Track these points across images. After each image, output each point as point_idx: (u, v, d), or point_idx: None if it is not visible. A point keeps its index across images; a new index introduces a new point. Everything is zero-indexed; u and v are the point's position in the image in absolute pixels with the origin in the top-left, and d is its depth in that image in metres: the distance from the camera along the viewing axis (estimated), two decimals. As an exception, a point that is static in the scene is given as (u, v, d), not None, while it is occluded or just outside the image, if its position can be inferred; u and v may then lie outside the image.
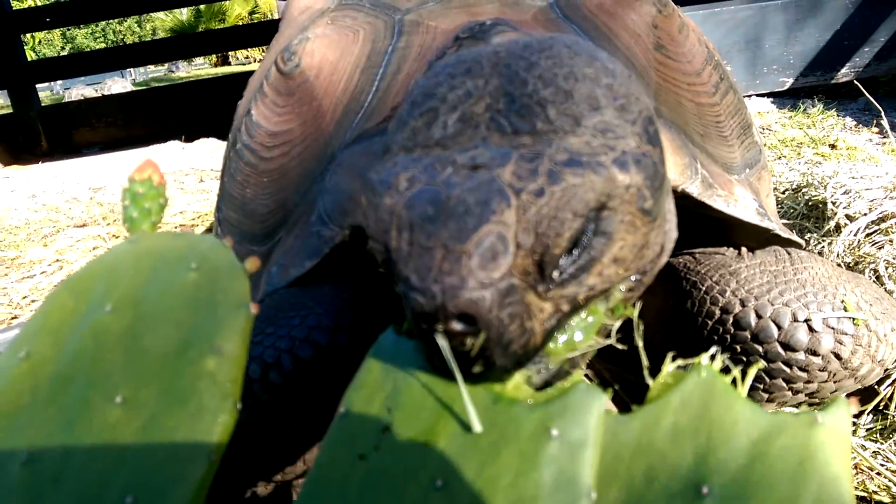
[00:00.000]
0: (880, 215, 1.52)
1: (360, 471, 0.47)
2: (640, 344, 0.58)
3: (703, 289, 1.09)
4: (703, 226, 1.17)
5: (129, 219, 0.61)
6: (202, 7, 24.29)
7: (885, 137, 3.17)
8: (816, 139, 3.12)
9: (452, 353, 0.49)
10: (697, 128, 1.25)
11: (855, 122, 3.45)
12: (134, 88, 15.44)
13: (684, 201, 1.08)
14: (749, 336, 1.02)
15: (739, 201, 1.13)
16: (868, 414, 1.19)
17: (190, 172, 4.24)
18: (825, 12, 4.35)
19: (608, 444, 0.45)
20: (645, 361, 0.54)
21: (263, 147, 1.28)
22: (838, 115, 3.67)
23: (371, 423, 0.50)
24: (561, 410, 0.46)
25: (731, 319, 1.04)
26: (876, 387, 1.16)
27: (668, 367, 0.52)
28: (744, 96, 4.29)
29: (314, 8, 1.47)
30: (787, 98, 4.24)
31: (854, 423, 1.18)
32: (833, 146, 2.95)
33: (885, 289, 1.34)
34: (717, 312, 1.06)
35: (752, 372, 0.52)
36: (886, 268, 1.37)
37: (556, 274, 0.53)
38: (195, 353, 0.50)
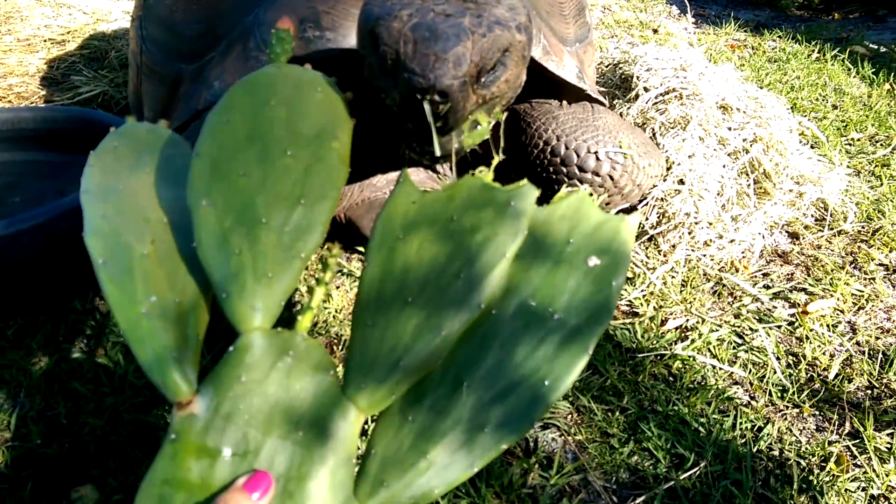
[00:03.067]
0: (665, 89, 2.05)
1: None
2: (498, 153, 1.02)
3: (534, 127, 1.54)
4: (540, 81, 1.60)
5: (275, 53, 0.92)
6: None
7: (697, 27, 3.78)
8: (644, 23, 3.65)
9: (431, 115, 0.93)
10: (545, 6, 1.65)
11: (679, 11, 4.01)
12: None
13: (530, 62, 1.50)
14: (559, 161, 1.50)
15: (566, 67, 1.56)
16: (630, 225, 1.75)
17: (37, -20, 3.96)
18: None
19: (533, 216, 0.82)
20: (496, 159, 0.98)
21: (193, -23, 1.50)
22: (666, 2, 4.21)
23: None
24: (516, 193, 0.81)
25: (549, 149, 1.51)
26: (637, 205, 1.72)
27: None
28: (594, -26, 4.58)
29: None
30: (630, -20, 4.71)
31: (620, 230, 1.74)
32: (655, 31, 3.50)
33: (657, 141, 1.88)
34: (541, 144, 1.52)
35: (600, 198, 1.00)
36: (660, 127, 1.91)
37: (482, 80, 0.98)
38: (327, 137, 0.85)
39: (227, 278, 0.76)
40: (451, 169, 1.69)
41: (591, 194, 1.56)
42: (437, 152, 0.98)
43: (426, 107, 0.92)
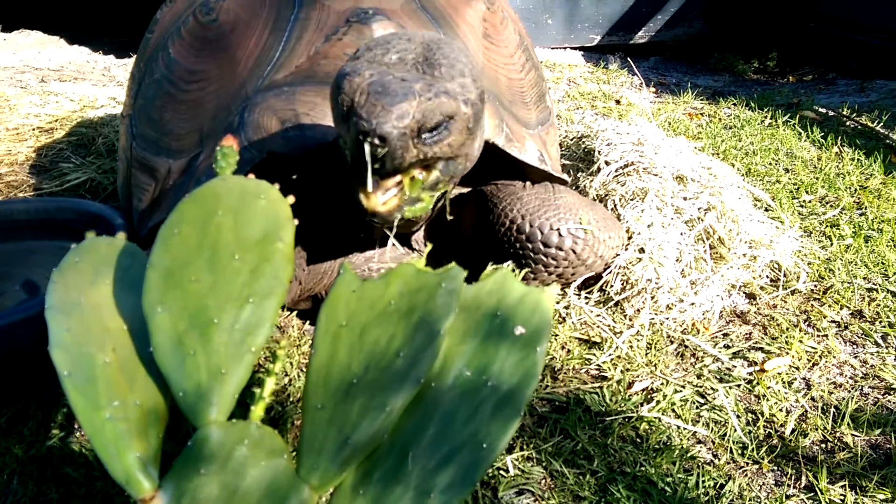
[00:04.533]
0: (624, 163, 2.20)
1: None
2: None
3: (501, 207, 1.66)
4: (504, 164, 1.73)
5: (220, 167, 1.00)
6: None
7: (657, 96, 4.01)
8: (607, 94, 3.87)
9: (370, 156, 1.07)
10: (508, 96, 1.79)
11: (640, 82, 4.25)
12: None
13: (494, 148, 1.63)
14: (524, 238, 1.61)
15: (528, 151, 1.70)
16: (596, 291, 1.85)
17: (26, 70, 4.12)
18: (631, -20, 5.10)
19: (463, 294, 0.91)
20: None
21: (182, 81, 1.63)
22: (629, 74, 4.46)
23: None
24: (446, 276, 0.90)
25: (515, 227, 1.62)
26: (601, 274, 1.83)
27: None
28: (559, 48, 4.93)
29: (219, -35, 1.78)
30: (594, 53, 4.99)
31: (588, 297, 1.84)
32: (618, 102, 3.71)
33: (617, 213, 2.01)
34: (507, 223, 1.64)
35: (522, 272, 1.12)
36: (620, 199, 2.04)
37: (423, 136, 1.13)
38: (271, 239, 0.93)
39: (182, 378, 0.85)
40: (423, 244, 1.80)
41: (513, 270, 1.69)
42: (370, 188, 1.12)
43: (366, 148, 1.07)
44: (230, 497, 0.79)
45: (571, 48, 5.08)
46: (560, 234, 1.60)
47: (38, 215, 1.75)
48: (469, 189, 1.81)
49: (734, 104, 3.74)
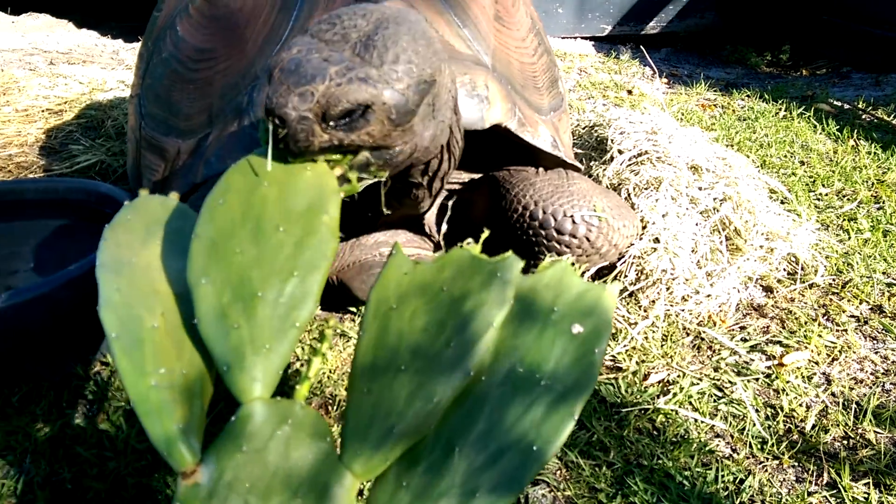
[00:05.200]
0: (638, 152, 2.16)
1: None
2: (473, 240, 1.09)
3: (513, 193, 1.63)
4: (516, 149, 1.69)
5: (265, 138, 0.98)
6: None
7: (670, 87, 3.95)
8: (619, 84, 3.82)
9: (272, 135, 0.98)
10: (520, 80, 1.76)
11: (652, 72, 4.20)
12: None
13: (506, 132, 1.59)
14: (538, 224, 1.58)
15: (541, 136, 1.66)
16: (611, 281, 1.81)
17: (35, 52, 4.09)
18: (643, -31, 5.04)
19: (518, 285, 0.88)
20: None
21: (190, 60, 1.59)
22: (640, 64, 4.41)
23: None
24: (502, 264, 0.87)
25: (528, 214, 1.59)
26: (616, 264, 1.79)
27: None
28: (570, 37, 4.88)
29: (230, -58, 1.74)
30: (605, 43, 4.94)
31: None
32: (630, 92, 3.66)
33: (631, 202, 1.97)
34: (520, 209, 1.60)
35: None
36: (634, 188, 2.00)
37: (331, 123, 1.02)
38: (317, 211, 0.91)
39: (226, 352, 0.81)
40: (437, 232, 1.77)
41: (573, 263, 1.65)
42: (269, 167, 1.00)
43: (269, 126, 0.99)
44: (271, 478, 0.76)
45: (582, 38, 5.02)
46: (574, 221, 1.57)
47: (49, 195, 1.73)
48: (480, 175, 1.77)
49: (748, 96, 3.69)
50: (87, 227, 1.69)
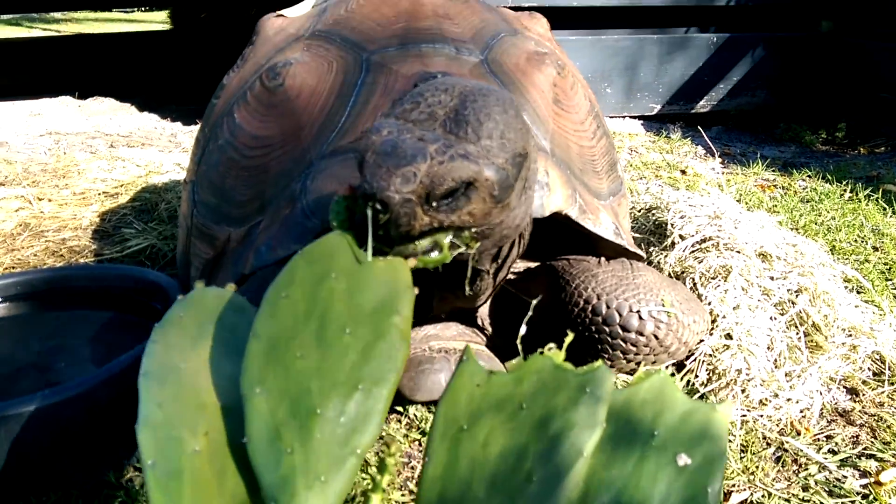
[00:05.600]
0: (702, 238, 2.05)
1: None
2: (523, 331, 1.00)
3: (573, 285, 1.53)
4: (572, 236, 1.61)
5: (337, 220, 0.95)
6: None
7: (724, 167, 3.86)
8: (672, 164, 3.74)
9: (371, 220, 0.92)
10: (579, 164, 1.69)
11: (704, 151, 4.12)
12: None
13: (566, 220, 1.52)
14: (601, 320, 1.47)
15: (602, 223, 1.58)
16: (679, 381, 1.68)
17: (96, 136, 4.26)
18: (691, 49, 5.04)
19: (611, 401, 0.77)
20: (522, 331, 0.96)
21: (245, 147, 1.58)
22: (692, 143, 4.34)
23: None
24: (591, 377, 0.77)
25: (590, 308, 1.49)
26: (684, 362, 1.66)
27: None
28: (619, 117, 4.88)
29: (288, 31, 1.77)
30: (654, 122, 4.90)
31: (667, 386, 1.67)
32: (683, 172, 3.57)
33: (698, 293, 1.85)
34: (581, 303, 1.50)
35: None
36: (700, 277, 1.89)
37: (434, 204, 0.98)
38: (387, 311, 0.83)
39: (276, 483, 0.72)
40: (489, 323, 1.68)
41: (638, 363, 1.53)
42: (369, 257, 0.94)
43: (368, 212, 0.93)
44: None
45: (631, 117, 5.00)
46: (640, 318, 1.46)
47: (96, 283, 1.72)
48: (537, 264, 1.69)
49: (808, 176, 3.56)
50: (133, 316, 1.66)
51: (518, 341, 0.86)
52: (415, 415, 1.55)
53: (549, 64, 1.69)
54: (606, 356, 1.51)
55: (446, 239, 1.03)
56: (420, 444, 1.49)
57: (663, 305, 1.48)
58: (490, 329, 1.65)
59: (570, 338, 0.82)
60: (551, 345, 0.79)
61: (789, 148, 4.81)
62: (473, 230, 1.04)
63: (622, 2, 4.86)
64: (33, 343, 1.59)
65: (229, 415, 0.80)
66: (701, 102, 5.09)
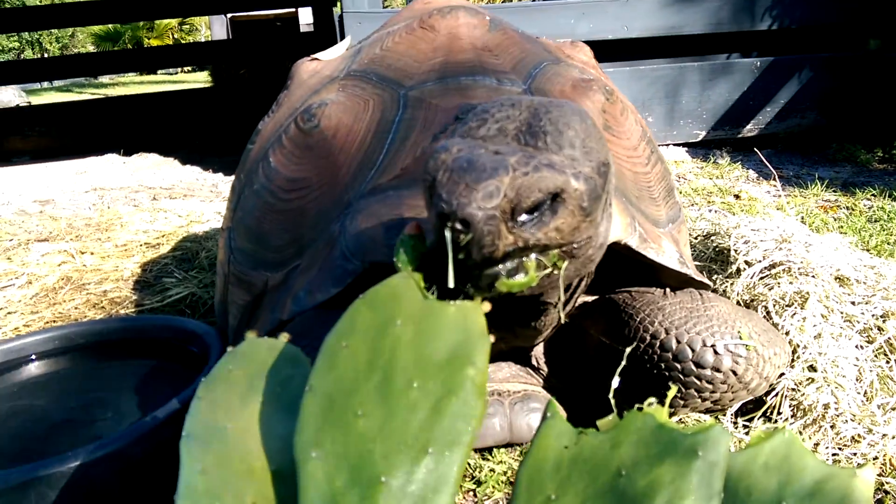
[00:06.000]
0: (771, 263, 1.90)
1: None
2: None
3: (638, 319, 1.41)
4: (631, 267, 1.49)
5: (402, 261, 0.87)
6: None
7: (780, 190, 3.68)
8: (724, 189, 3.58)
9: (451, 243, 0.83)
10: (634, 191, 1.58)
11: (756, 175, 3.95)
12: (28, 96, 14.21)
13: (626, 250, 1.40)
14: (671, 356, 1.34)
15: (665, 252, 1.46)
16: (759, 418, 1.53)
17: (140, 189, 4.32)
18: (735, 74, 4.91)
19: (727, 467, 0.67)
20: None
21: (281, 190, 1.52)
22: (743, 168, 4.18)
23: None
24: (703, 439, 0.67)
25: (658, 343, 1.36)
26: (764, 398, 1.51)
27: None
28: (661, 145, 4.75)
29: (323, 73, 1.72)
30: (699, 148, 4.75)
31: (747, 426, 1.52)
32: (737, 196, 3.41)
33: (773, 322, 1.70)
34: (648, 338, 1.37)
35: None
36: (774, 305, 1.74)
37: (520, 219, 0.88)
38: (461, 362, 0.73)
39: None
40: (544, 362, 1.56)
41: (715, 402, 1.39)
42: (451, 284, 0.85)
43: (447, 234, 0.83)
44: None
45: (674, 144, 4.87)
46: (716, 352, 1.32)
47: (134, 334, 1.68)
48: (594, 298, 1.57)
49: (873, 195, 3.36)
50: (173, 367, 1.59)
51: (611, 395, 0.74)
52: (468, 462, 1.43)
53: (596, 90, 1.60)
54: (679, 396, 1.37)
55: (532, 259, 0.93)
56: (475, 495, 1.36)
57: (740, 338, 1.34)
58: (546, 369, 1.53)
59: (673, 391, 0.69)
60: (651, 399, 0.66)
61: (845, 168, 4.60)
62: (562, 249, 0.95)
63: (660, 32, 4.78)
64: (70, 398, 1.53)
65: (281, 482, 0.71)
66: (748, 126, 4.93)
